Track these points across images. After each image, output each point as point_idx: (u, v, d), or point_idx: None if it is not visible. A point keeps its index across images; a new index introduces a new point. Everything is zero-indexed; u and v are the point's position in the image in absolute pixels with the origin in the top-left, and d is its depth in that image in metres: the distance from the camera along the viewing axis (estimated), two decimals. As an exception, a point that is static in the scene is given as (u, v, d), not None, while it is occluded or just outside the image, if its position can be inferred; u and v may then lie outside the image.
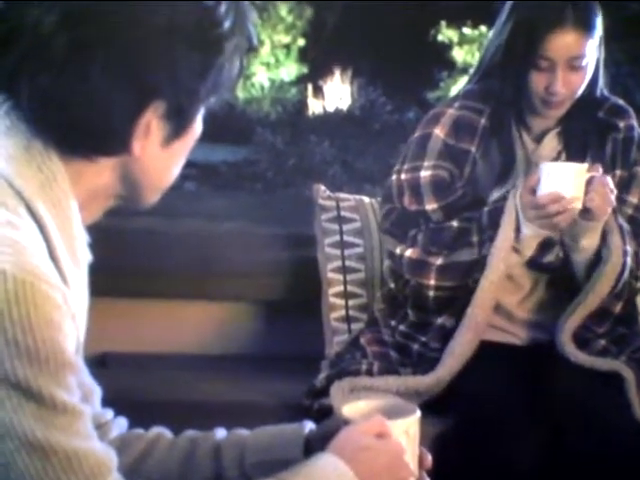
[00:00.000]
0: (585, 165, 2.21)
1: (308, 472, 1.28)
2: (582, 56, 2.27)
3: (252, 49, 1.28)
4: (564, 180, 2.16)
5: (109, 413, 1.44)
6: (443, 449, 2.22)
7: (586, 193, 2.17)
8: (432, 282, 2.34)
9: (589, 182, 2.18)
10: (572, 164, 2.23)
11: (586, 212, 2.20)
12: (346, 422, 1.36)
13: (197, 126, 1.27)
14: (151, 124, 1.20)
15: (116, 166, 1.23)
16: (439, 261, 2.34)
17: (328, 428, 1.44)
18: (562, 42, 2.25)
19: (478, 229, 2.32)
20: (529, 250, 2.30)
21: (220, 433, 1.48)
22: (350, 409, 1.40)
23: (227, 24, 1.20)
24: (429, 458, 1.40)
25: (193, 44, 1.18)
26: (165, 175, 1.28)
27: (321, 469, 1.28)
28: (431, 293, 2.35)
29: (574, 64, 2.27)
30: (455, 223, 2.35)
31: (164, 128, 1.21)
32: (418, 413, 1.37)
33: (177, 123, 1.22)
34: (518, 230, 2.26)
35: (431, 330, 2.38)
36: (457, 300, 2.33)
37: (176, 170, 1.29)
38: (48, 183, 1.18)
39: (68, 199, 1.20)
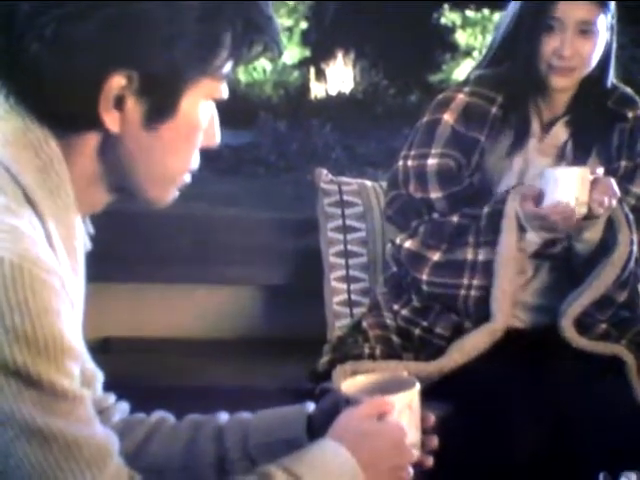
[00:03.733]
0: (588, 169, 2.21)
1: (310, 459, 1.28)
2: (592, 22, 2.29)
3: (267, 43, 1.24)
4: (571, 186, 2.16)
5: (111, 398, 1.44)
6: (444, 433, 2.23)
7: (590, 194, 2.18)
8: (425, 277, 2.35)
9: (592, 183, 2.19)
10: (576, 169, 2.23)
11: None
12: (347, 399, 1.36)
13: (194, 114, 1.22)
14: (126, 98, 1.17)
15: (101, 147, 1.21)
16: (436, 257, 2.34)
17: (327, 405, 1.44)
18: (573, 3, 2.28)
19: (475, 230, 2.32)
20: (532, 248, 2.33)
21: (223, 416, 1.49)
22: (349, 385, 1.40)
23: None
24: (435, 440, 1.41)
25: (161, 11, 1.15)
26: (160, 164, 1.23)
27: (323, 456, 1.28)
28: (424, 287, 2.36)
29: (584, 28, 2.29)
30: (455, 218, 2.36)
31: (141, 105, 1.18)
32: (418, 385, 1.37)
33: (156, 100, 1.19)
34: (521, 229, 2.26)
35: (433, 315, 2.39)
36: (451, 297, 2.34)
37: (177, 161, 1.25)
38: (45, 169, 1.18)
39: (66, 185, 1.19)
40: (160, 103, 1.19)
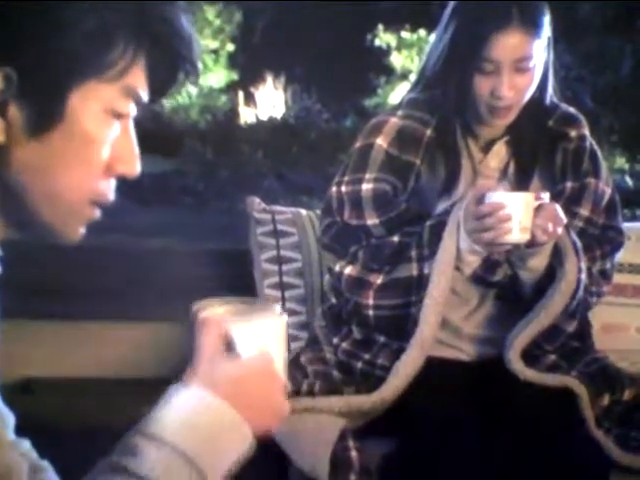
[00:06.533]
0: (533, 194, 2.21)
1: (173, 413, 1.22)
2: (529, 57, 2.27)
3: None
4: (513, 211, 2.15)
5: (25, 444, 1.41)
6: (390, 469, 2.24)
7: (533, 220, 2.18)
8: (370, 301, 2.35)
9: (537, 209, 2.19)
10: (520, 194, 2.22)
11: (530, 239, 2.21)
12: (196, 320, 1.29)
13: (86, 122, 1.16)
14: (8, 103, 1.12)
15: None
16: (379, 280, 2.34)
17: None
18: (507, 43, 2.24)
19: (417, 244, 2.32)
20: (469, 268, 2.31)
21: None
22: (203, 309, 1.32)
23: None
24: None
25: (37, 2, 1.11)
26: (52, 181, 1.17)
27: (184, 405, 1.22)
28: (370, 312, 2.36)
29: (520, 66, 2.27)
30: (396, 238, 2.36)
31: (23, 109, 1.13)
32: (278, 311, 1.31)
33: (38, 102, 1.14)
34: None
35: (376, 347, 2.39)
36: (399, 319, 2.34)
37: (69, 179, 1.18)
38: None
39: None
40: (43, 105, 1.14)
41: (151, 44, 1.19)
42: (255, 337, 1.27)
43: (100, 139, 1.19)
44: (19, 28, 1.12)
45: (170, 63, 1.22)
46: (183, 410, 1.23)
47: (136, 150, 1.24)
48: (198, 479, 1.19)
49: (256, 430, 1.26)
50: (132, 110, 1.22)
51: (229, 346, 1.27)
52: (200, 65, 1.25)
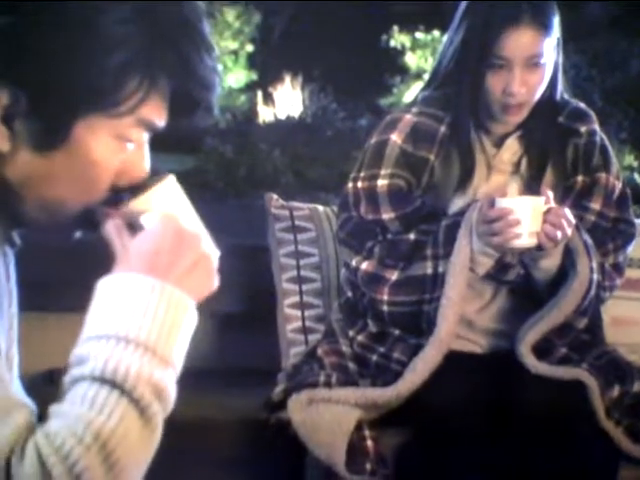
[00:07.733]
0: (542, 198, 2.21)
1: (102, 307, 1.19)
2: (539, 55, 2.27)
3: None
4: (522, 217, 2.16)
5: None
6: (403, 460, 2.23)
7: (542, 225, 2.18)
8: (385, 297, 2.35)
9: (546, 213, 2.18)
10: (529, 199, 2.22)
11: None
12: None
13: (92, 149, 1.17)
14: (15, 116, 1.14)
15: None
16: (394, 276, 2.34)
17: None
18: (518, 40, 2.25)
19: (433, 243, 2.32)
20: (482, 268, 2.31)
21: None
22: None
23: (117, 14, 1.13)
24: None
25: (53, 33, 1.12)
26: (53, 195, 1.19)
27: (111, 296, 1.18)
28: (385, 308, 2.36)
29: (531, 63, 2.27)
30: (412, 236, 2.36)
31: (29, 126, 1.15)
32: (165, 175, 1.27)
33: (43, 125, 1.15)
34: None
35: (391, 341, 2.39)
36: (414, 315, 2.34)
37: (70, 195, 1.20)
38: None
39: None
40: (47, 128, 1.15)
41: (166, 84, 1.19)
42: (151, 206, 1.24)
43: (106, 163, 1.19)
44: (35, 55, 1.13)
45: (185, 103, 1.21)
46: (111, 300, 1.18)
47: (146, 166, 1.24)
48: (152, 359, 1.15)
49: (194, 293, 1.22)
50: (146, 136, 1.22)
51: (134, 227, 1.23)
52: (216, 102, 1.23)
